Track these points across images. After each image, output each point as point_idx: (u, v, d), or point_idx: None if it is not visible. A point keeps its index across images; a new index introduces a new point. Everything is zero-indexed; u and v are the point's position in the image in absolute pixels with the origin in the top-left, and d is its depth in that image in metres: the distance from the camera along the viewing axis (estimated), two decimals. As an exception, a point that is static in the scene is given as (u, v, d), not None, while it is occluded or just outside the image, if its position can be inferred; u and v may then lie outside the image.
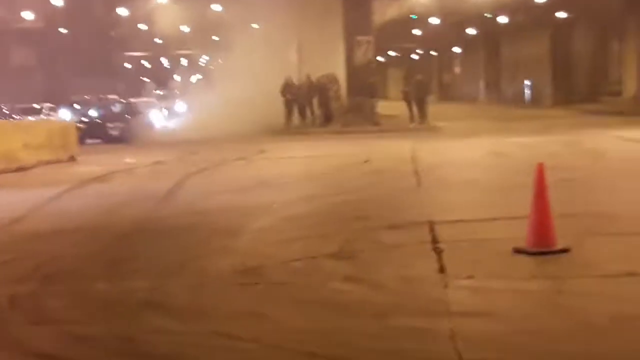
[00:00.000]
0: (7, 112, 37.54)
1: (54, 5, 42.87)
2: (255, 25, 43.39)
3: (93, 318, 7.31)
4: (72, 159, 23.40)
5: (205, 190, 15.43)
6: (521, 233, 8.82)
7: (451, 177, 16.11)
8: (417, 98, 35.08)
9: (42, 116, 36.98)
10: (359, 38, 35.66)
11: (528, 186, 8.82)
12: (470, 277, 7.94)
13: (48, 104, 39.81)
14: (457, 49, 70.19)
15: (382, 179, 16.27)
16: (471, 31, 60.36)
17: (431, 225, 10.47)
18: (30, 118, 33.75)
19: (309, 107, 37.02)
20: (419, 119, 34.62)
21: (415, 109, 34.95)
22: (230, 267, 8.84)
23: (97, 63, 41.95)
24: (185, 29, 56.84)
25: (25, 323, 7.20)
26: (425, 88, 36.52)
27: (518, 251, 8.73)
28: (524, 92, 55.18)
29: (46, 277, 8.73)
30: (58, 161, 22.49)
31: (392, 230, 10.47)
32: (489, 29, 57.76)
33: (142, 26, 57.78)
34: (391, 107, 37.91)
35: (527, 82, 55.14)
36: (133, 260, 9.35)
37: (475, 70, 66.27)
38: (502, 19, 52.85)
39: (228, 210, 12.80)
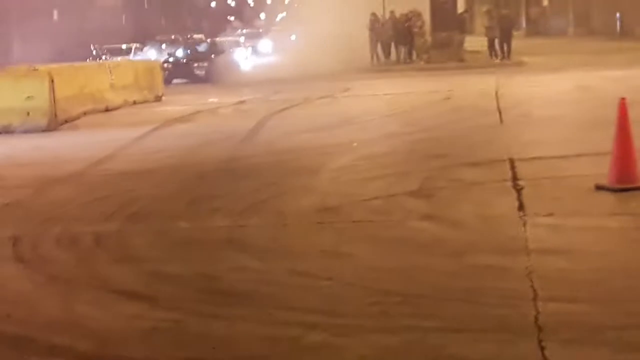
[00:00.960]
0: (95, 52, 38.06)
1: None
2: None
3: (174, 256, 7.47)
4: (158, 98, 23.70)
5: (287, 129, 15.50)
6: (604, 170, 8.70)
7: (535, 113, 15.89)
8: (501, 33, 34.49)
9: (129, 57, 37.41)
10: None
11: (614, 121, 8.66)
12: (549, 214, 7.88)
13: (134, 44, 40.24)
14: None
15: (464, 116, 16.14)
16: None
17: (512, 162, 10.39)
18: (117, 58, 34.15)
19: (394, 44, 36.75)
20: (503, 55, 34.06)
21: (498, 44, 34.38)
22: (310, 205, 8.91)
23: (183, 2, 42.11)
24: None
25: (109, 261, 7.39)
26: (510, 22, 35.85)
27: (600, 188, 8.63)
28: (615, 25, 53.80)
29: (130, 216, 8.92)
30: (144, 101, 22.81)
31: (471, 167, 10.42)
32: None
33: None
34: (477, 42, 37.31)
35: (617, 15, 53.71)
36: (214, 199, 9.48)
37: (563, 3, 64.77)
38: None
39: (309, 149, 12.87)
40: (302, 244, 7.63)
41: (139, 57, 36.54)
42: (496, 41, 34.37)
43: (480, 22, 37.09)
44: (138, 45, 39.71)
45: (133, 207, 9.35)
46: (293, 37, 45.50)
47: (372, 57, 36.74)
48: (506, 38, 34.37)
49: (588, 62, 29.10)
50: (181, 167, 12.02)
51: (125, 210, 9.18)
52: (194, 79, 31.38)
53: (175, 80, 30.63)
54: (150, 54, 37.95)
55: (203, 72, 31.68)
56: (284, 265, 6.87)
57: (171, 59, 32.63)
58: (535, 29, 67.57)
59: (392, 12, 36.36)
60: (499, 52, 34.20)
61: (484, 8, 40.75)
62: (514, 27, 36.55)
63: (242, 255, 7.28)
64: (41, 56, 28.94)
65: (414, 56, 36.09)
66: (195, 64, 32.05)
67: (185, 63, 32.42)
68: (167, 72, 28.69)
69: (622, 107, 8.56)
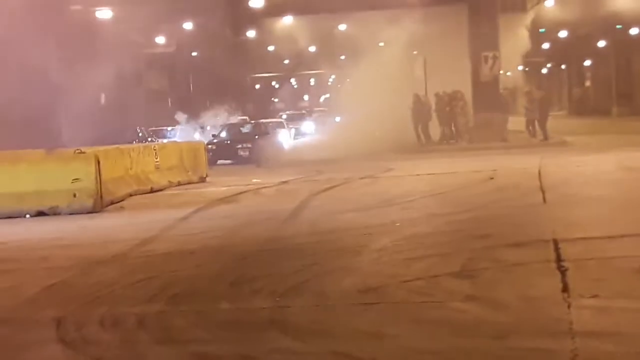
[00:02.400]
0: (141, 134, 38.60)
1: (185, 30, 43.96)
2: (381, 44, 43.54)
3: (217, 337, 7.47)
4: (202, 179, 23.91)
5: (329, 209, 15.53)
6: (650, 251, 8.62)
7: (578, 193, 15.80)
8: (540, 115, 34.64)
9: (174, 138, 37.88)
10: (485, 53, 35.35)
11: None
12: (594, 296, 7.78)
13: (180, 126, 40.79)
14: (587, 62, 68.79)
15: (507, 196, 16.09)
16: (601, 43, 59.12)
17: (556, 242, 10.31)
18: (163, 140, 34.61)
19: (437, 124, 36.92)
20: (542, 136, 34.10)
21: (537, 125, 34.45)
22: (352, 286, 8.89)
23: (228, 85, 42.75)
24: (313, 49, 57.44)
25: (152, 342, 7.40)
26: (547, 105, 35.97)
27: (645, 269, 8.53)
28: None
29: (173, 297, 8.95)
30: (189, 182, 23.02)
31: (515, 248, 10.35)
32: (620, 40, 56.45)
33: (271, 47, 58.71)
34: (520, 122, 37.38)
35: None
36: (256, 280, 9.49)
37: (606, 83, 64.78)
38: (634, 30, 51.57)
39: (351, 230, 12.87)
40: (344, 326, 7.59)
41: (184, 138, 36.96)
42: (535, 122, 34.48)
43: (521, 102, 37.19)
44: (183, 127, 40.24)
45: (176, 288, 9.38)
46: (337, 119, 45.80)
47: (417, 137, 36.95)
48: (543, 119, 34.50)
49: (631, 142, 28.97)
50: (224, 247, 12.07)
51: (168, 291, 9.21)
52: (238, 160, 31.67)
53: (219, 161, 30.92)
54: (195, 135, 38.40)
55: (247, 153, 31.98)
56: (326, 347, 6.84)
57: (215, 140, 33.00)
58: (578, 109, 67.51)
59: (436, 94, 36.59)
60: (538, 132, 34.26)
61: (525, 89, 40.90)
62: (550, 108, 36.64)
63: (283, 337, 7.26)
64: (89, 139, 29.40)
65: (457, 136, 36.20)
66: (239, 145, 32.37)
67: (230, 144, 32.76)
68: (211, 153, 28.97)
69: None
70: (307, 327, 7.55)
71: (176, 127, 40.51)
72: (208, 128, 39.38)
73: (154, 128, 40.00)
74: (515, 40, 45.08)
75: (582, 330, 6.79)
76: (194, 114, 39.79)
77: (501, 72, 40.08)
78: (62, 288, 9.82)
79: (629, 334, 6.72)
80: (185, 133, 38.37)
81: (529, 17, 46.47)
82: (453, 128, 36.35)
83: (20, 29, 31.93)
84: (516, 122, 37.27)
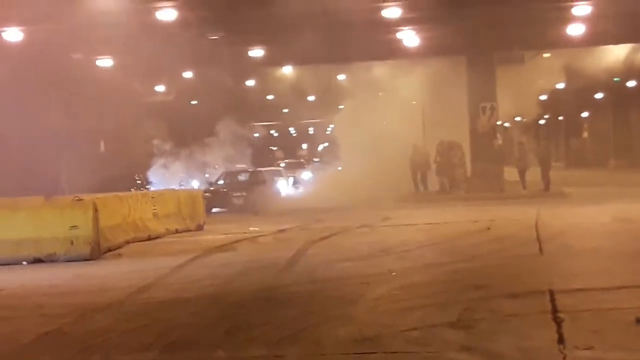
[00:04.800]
0: (140, 182, 38.63)
1: (184, 78, 44.19)
2: (380, 94, 43.80)
3: (211, 386, 7.46)
4: (199, 227, 23.90)
5: (326, 258, 15.53)
6: (645, 302, 8.64)
7: (575, 244, 15.84)
8: (541, 165, 34.84)
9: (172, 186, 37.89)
10: (483, 104, 35.54)
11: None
12: (589, 348, 7.79)
13: (182, 175, 40.79)
14: (585, 114, 69.12)
15: (504, 246, 16.11)
16: (599, 96, 59.45)
17: (552, 294, 10.33)
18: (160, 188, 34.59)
19: (435, 174, 37.00)
20: (543, 186, 34.23)
21: (541, 176, 34.61)
22: (348, 335, 8.90)
23: (227, 133, 42.93)
24: (312, 98, 57.75)
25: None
26: (547, 155, 36.17)
27: (641, 321, 8.54)
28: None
29: (169, 345, 8.95)
30: (186, 230, 23.01)
31: (511, 299, 10.37)
32: (617, 93, 56.77)
33: (271, 96, 58.99)
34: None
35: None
36: (251, 329, 9.48)
37: (604, 135, 65.05)
38: (631, 83, 51.91)
39: (347, 279, 12.89)
40: (340, 375, 7.59)
41: (183, 187, 37.01)
42: (525, 174, 34.72)
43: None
44: (181, 175, 40.28)
45: (171, 336, 9.38)
46: (334, 167, 45.90)
47: (415, 187, 37.04)
48: (544, 169, 34.69)
49: (628, 194, 29.05)
50: (220, 295, 12.07)
51: (164, 339, 9.20)
52: (233, 208, 31.65)
53: (214, 209, 30.89)
54: (194, 183, 38.43)
55: (242, 201, 31.95)
56: (320, 397, 6.83)
57: (212, 188, 33.02)
58: (576, 160, 67.74)
59: (440, 143, 36.66)
60: (527, 183, 34.49)
61: (518, 140, 41.13)
62: (550, 159, 36.84)
63: (278, 386, 7.26)
64: (87, 186, 29.45)
65: (454, 186, 36.27)
66: (236, 193, 32.38)
67: (225, 192, 32.78)
68: (207, 200, 28.92)
69: (661, 239, 8.55)
70: (302, 376, 7.55)
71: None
72: (207, 176, 39.40)
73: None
74: (513, 91, 45.35)
75: (577, 382, 6.80)
76: (193, 161, 39.84)
77: (499, 122, 40.30)
78: (58, 336, 9.80)
79: (624, 386, 6.73)
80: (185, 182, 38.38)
81: (526, 69, 46.75)
82: (446, 179, 36.46)
83: (21, 76, 32.13)
84: (513, 173, 37.35)
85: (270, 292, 12.02)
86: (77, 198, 19.25)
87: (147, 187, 36.27)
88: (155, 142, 40.91)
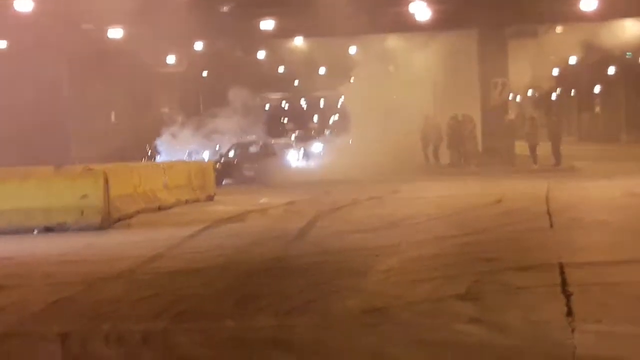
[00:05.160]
0: (150, 152, 38.63)
1: (195, 50, 44.11)
2: (391, 67, 43.63)
3: (220, 356, 7.51)
4: (209, 198, 23.92)
5: (335, 230, 15.56)
6: (655, 276, 8.63)
7: (585, 218, 15.79)
8: (551, 140, 34.69)
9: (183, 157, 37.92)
10: (495, 79, 35.40)
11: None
12: (598, 321, 7.79)
13: (193, 146, 40.75)
14: (597, 89, 68.82)
15: (514, 220, 16.07)
16: (611, 70, 59.16)
17: (561, 267, 10.32)
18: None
19: (447, 147, 36.95)
20: (554, 160, 34.13)
21: (552, 150, 34.50)
22: (357, 306, 8.91)
23: (238, 105, 42.85)
24: (322, 71, 57.60)
25: (155, 359, 7.43)
26: (558, 130, 35.99)
27: (650, 295, 8.54)
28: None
29: (178, 315, 8.98)
30: (196, 201, 23.03)
31: (520, 271, 10.37)
32: (629, 68, 56.46)
33: (282, 68, 58.83)
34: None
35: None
36: (261, 299, 9.51)
37: (616, 110, 64.77)
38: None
39: (357, 250, 12.90)
40: (348, 346, 7.61)
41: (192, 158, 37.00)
42: (536, 148, 34.56)
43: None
44: (193, 147, 40.28)
45: (181, 305, 9.41)
46: (345, 139, 45.82)
47: (425, 159, 37.01)
48: (555, 144, 34.56)
49: (638, 168, 28.93)
50: (230, 266, 12.10)
51: (173, 309, 9.24)
52: (243, 180, 31.69)
53: (225, 181, 30.92)
54: (204, 154, 38.42)
55: (252, 173, 31.97)
56: (328, 367, 6.86)
57: (222, 160, 33.03)
58: (588, 134, 67.53)
59: (452, 117, 36.53)
60: (539, 158, 34.33)
61: (529, 115, 40.94)
62: (561, 134, 36.64)
63: (286, 356, 7.30)
64: (98, 156, 29.49)
65: (465, 160, 36.21)
66: (246, 165, 32.39)
67: (236, 164, 32.78)
68: (217, 172, 28.91)
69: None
70: (310, 346, 7.58)
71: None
72: (217, 147, 39.38)
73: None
74: (525, 66, 45.15)
75: (585, 355, 6.81)
76: (204, 132, 39.81)
77: (510, 97, 40.20)
78: (67, 304, 9.85)
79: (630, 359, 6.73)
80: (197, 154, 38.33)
81: (538, 43, 46.52)
82: (457, 152, 36.38)
83: (32, 47, 32.11)
84: (524, 147, 37.25)
85: (280, 263, 12.06)
86: (87, 168, 19.28)
87: (156, 157, 36.31)
88: (166, 113, 40.93)
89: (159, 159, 34.39)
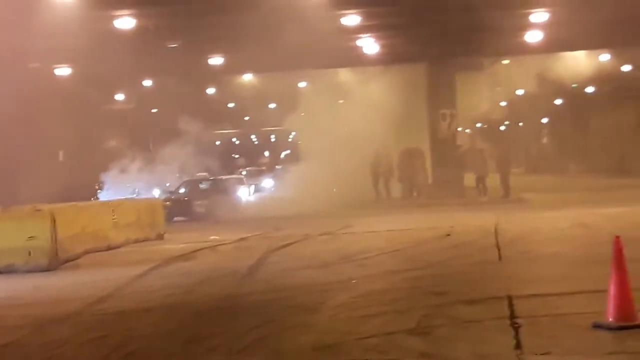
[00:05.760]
0: (100, 191, 38.34)
1: (144, 87, 44.05)
2: (341, 100, 43.87)
3: (170, 397, 7.43)
4: (160, 236, 23.76)
5: (286, 266, 15.54)
6: (602, 307, 8.71)
7: (533, 250, 15.96)
8: (500, 171, 35.05)
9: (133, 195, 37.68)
10: (443, 111, 35.75)
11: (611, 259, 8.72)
12: (546, 353, 7.85)
13: (139, 183, 40.51)
14: (544, 120, 69.71)
15: (463, 253, 16.18)
16: (558, 102, 59.99)
17: (510, 299, 10.40)
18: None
19: (397, 180, 37.17)
20: (503, 192, 34.44)
21: (500, 182, 34.82)
22: (308, 343, 8.90)
23: (188, 141, 42.78)
24: (273, 105, 57.77)
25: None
26: (507, 161, 36.38)
27: (597, 326, 8.61)
28: (615, 162, 54.37)
29: (127, 356, 8.90)
30: (146, 239, 22.87)
31: (470, 305, 10.42)
32: (576, 99, 57.35)
33: (232, 104, 58.90)
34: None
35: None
36: (211, 338, 9.45)
37: (564, 141, 65.63)
38: (589, 89, 52.47)
39: (308, 287, 12.89)
40: (299, 384, 7.58)
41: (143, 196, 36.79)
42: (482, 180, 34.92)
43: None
44: (141, 184, 40.08)
45: (129, 347, 9.31)
46: (296, 175, 45.86)
47: (376, 194, 37.18)
48: (504, 175, 34.91)
49: (587, 199, 29.36)
50: (180, 305, 12.02)
51: (121, 350, 9.14)
52: (194, 217, 31.61)
53: (176, 218, 30.80)
54: (154, 191, 38.23)
55: (203, 210, 31.91)
56: (279, 406, 6.82)
57: (172, 197, 32.91)
58: (536, 166, 68.28)
59: (403, 150, 36.80)
60: (485, 190, 34.66)
61: (477, 147, 41.37)
62: (510, 165, 37.03)
63: (237, 396, 7.24)
64: (47, 196, 29.20)
65: (416, 192, 36.43)
66: (197, 202, 32.32)
67: (186, 201, 32.69)
68: (167, 209, 28.79)
69: (617, 245, 8.62)
70: (261, 385, 7.54)
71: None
72: (167, 185, 39.21)
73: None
74: (472, 98, 45.66)
75: (534, 387, 6.84)
76: (154, 169, 39.62)
77: (459, 129, 40.55)
78: (16, 348, 9.72)
79: (580, 391, 6.78)
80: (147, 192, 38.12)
81: (486, 76, 47.07)
82: (407, 185, 36.63)
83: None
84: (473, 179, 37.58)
85: (230, 301, 12.00)
86: (35, 208, 19.08)
87: (103, 195, 35.93)
88: (116, 150, 40.71)
89: (107, 196, 34.07)
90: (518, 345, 8.17)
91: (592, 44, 36.93)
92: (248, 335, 9.42)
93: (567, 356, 7.77)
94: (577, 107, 60.56)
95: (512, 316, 9.47)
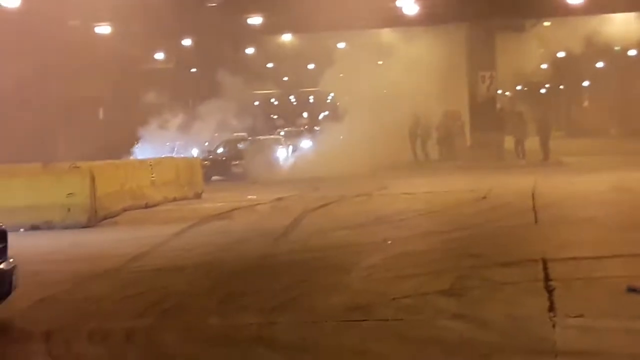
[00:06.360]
0: (138, 148, 38.52)
1: (184, 46, 44.10)
2: (380, 62, 43.65)
3: (204, 353, 7.52)
4: (197, 195, 23.90)
5: (322, 227, 15.58)
6: (637, 271, 8.69)
7: (570, 214, 15.87)
8: (540, 134, 34.80)
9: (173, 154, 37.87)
10: (482, 73, 35.49)
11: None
12: (579, 315, 7.83)
13: (177, 142, 40.72)
14: (586, 83, 68.98)
15: (499, 215, 16.13)
16: (600, 65, 59.32)
17: (544, 262, 10.37)
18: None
19: (436, 142, 37.05)
20: (543, 155, 34.22)
21: (540, 144, 34.58)
22: (340, 303, 8.94)
23: (226, 101, 42.87)
24: (312, 66, 57.65)
25: (139, 357, 7.48)
26: (546, 125, 36.08)
27: (632, 289, 8.57)
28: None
29: (163, 312, 9.00)
30: (184, 198, 23.01)
31: (504, 267, 10.40)
32: (618, 62, 56.63)
33: (270, 64, 58.86)
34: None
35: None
36: (245, 296, 9.54)
37: (605, 104, 64.93)
38: (632, 52, 51.80)
39: (343, 247, 12.93)
40: (331, 343, 7.63)
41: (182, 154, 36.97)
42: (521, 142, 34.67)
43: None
44: (181, 143, 40.28)
45: (165, 303, 9.43)
46: (334, 136, 45.84)
47: (414, 155, 37.08)
48: (544, 138, 34.64)
49: (628, 163, 29.02)
50: (215, 264, 12.12)
51: (158, 306, 9.26)
52: (232, 176, 31.75)
53: (213, 177, 30.95)
54: (192, 151, 38.42)
55: (241, 170, 32.05)
56: (311, 364, 6.89)
57: (210, 156, 33.05)
58: (577, 129, 67.68)
59: (445, 112, 36.62)
60: (524, 153, 34.43)
61: (516, 109, 41.06)
62: (550, 128, 36.74)
63: (270, 353, 7.32)
64: (87, 153, 29.45)
65: (454, 155, 36.30)
66: (234, 162, 32.44)
67: (224, 160, 32.81)
68: (205, 169, 28.94)
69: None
70: (293, 343, 7.60)
71: (175, 143, 40.45)
72: (206, 144, 39.37)
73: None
74: (513, 60, 45.24)
75: (565, 350, 6.85)
76: (193, 128, 39.79)
77: (499, 91, 40.27)
78: (53, 302, 9.86)
79: (612, 354, 6.77)
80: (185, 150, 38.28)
81: (527, 37, 46.60)
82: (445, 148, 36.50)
83: (18, 43, 32.02)
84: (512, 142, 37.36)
85: (265, 261, 12.07)
86: (74, 165, 19.25)
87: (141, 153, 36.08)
88: (155, 109, 40.88)
89: (145, 155, 34.26)
90: (551, 308, 8.16)
91: (635, 6, 36.40)
92: (281, 295, 9.48)
93: (600, 319, 7.75)
94: (620, 70, 59.83)
95: (546, 279, 9.45)
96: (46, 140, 33.73)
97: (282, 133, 53.59)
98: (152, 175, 22.19)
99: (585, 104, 72.34)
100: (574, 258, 10.71)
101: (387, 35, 42.01)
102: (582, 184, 22.26)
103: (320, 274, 10.87)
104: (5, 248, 8.68)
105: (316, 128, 61.11)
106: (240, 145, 35.42)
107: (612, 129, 62.27)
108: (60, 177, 18.25)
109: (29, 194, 17.66)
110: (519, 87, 66.36)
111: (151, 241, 14.40)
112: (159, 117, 38.64)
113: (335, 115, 46.63)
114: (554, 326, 7.55)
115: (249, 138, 37.69)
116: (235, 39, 44.00)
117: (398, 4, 34.46)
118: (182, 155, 33.62)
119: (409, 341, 7.48)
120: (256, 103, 73.67)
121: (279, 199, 21.68)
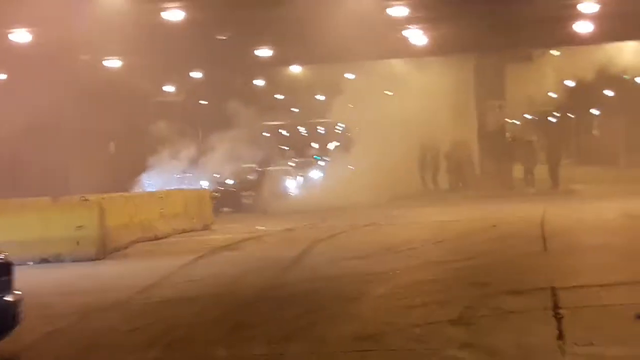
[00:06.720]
0: (149, 182, 38.58)
1: (193, 79, 44.29)
2: (389, 92, 43.74)
3: (212, 384, 7.51)
4: (206, 227, 23.90)
5: (331, 256, 15.57)
6: (646, 299, 8.65)
7: (579, 241, 15.84)
8: (549, 163, 34.75)
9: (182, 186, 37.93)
10: (492, 102, 35.54)
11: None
12: (589, 344, 7.80)
13: (187, 174, 40.79)
14: (595, 111, 68.95)
15: (508, 244, 16.10)
16: (609, 93, 59.32)
17: (553, 290, 10.33)
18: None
19: (446, 171, 37.05)
20: (556, 184, 34.17)
21: (548, 173, 34.53)
22: (350, 333, 8.93)
23: (236, 132, 43.00)
24: (321, 97, 57.83)
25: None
26: (556, 153, 36.05)
27: (641, 317, 8.55)
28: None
29: (170, 344, 8.99)
30: (192, 229, 23.01)
31: (513, 296, 10.38)
32: (628, 90, 56.61)
33: (280, 96, 59.04)
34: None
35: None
36: (254, 327, 9.52)
37: (615, 132, 64.85)
38: (641, 80, 51.79)
39: (352, 277, 12.92)
40: (340, 372, 7.61)
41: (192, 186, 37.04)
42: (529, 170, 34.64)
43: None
44: (190, 175, 40.36)
45: (174, 334, 9.42)
46: (343, 166, 45.87)
47: (423, 185, 37.08)
48: (553, 166, 34.60)
49: (636, 191, 28.93)
50: (224, 294, 12.11)
51: (166, 337, 9.25)
52: (241, 207, 31.79)
53: (223, 208, 30.99)
54: (202, 183, 38.48)
55: (251, 201, 32.09)
56: (318, 394, 6.86)
57: (221, 188, 33.10)
58: (587, 158, 67.60)
59: (453, 143, 36.64)
60: (533, 181, 34.37)
61: (526, 138, 41.05)
62: (560, 156, 36.70)
63: (278, 384, 7.30)
64: (96, 186, 29.51)
65: (464, 184, 36.28)
66: (244, 193, 32.48)
67: (234, 192, 32.87)
68: (216, 200, 28.99)
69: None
70: (302, 374, 7.59)
71: (185, 174, 40.52)
72: (216, 176, 39.44)
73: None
74: (522, 89, 45.33)
75: (574, 378, 6.82)
76: (203, 160, 39.89)
77: (508, 120, 40.30)
78: (61, 335, 9.86)
79: (622, 382, 6.74)
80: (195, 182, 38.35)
81: (536, 66, 46.68)
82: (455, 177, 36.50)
83: (29, 78, 32.21)
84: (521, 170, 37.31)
85: (274, 291, 12.06)
86: (83, 198, 19.31)
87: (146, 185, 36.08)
88: (165, 142, 41.00)
89: (155, 187, 34.33)
90: (560, 336, 8.13)
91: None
92: (290, 325, 9.47)
93: (609, 347, 7.72)
94: (628, 98, 59.81)
95: (555, 307, 9.42)
96: (57, 174, 33.81)
97: (291, 164, 53.70)
98: (162, 208, 22.22)
99: (595, 132, 72.27)
100: (582, 286, 10.68)
101: (396, 65, 42.12)
102: (591, 212, 22.19)
103: (330, 303, 10.85)
104: (9, 281, 8.67)
105: (325, 158, 61.21)
106: (250, 177, 35.47)
107: (622, 158, 62.13)
108: (69, 210, 18.33)
109: (39, 227, 17.70)
110: (528, 116, 66.43)
111: (160, 273, 14.40)
112: (169, 149, 38.73)
113: (345, 145, 46.72)
114: (563, 354, 7.52)
115: (259, 169, 37.70)
116: (244, 71, 44.21)
117: (406, 34, 34.52)
118: (191, 187, 33.67)
119: (417, 370, 7.46)
120: (266, 134, 73.84)
121: (289, 229, 21.68)
